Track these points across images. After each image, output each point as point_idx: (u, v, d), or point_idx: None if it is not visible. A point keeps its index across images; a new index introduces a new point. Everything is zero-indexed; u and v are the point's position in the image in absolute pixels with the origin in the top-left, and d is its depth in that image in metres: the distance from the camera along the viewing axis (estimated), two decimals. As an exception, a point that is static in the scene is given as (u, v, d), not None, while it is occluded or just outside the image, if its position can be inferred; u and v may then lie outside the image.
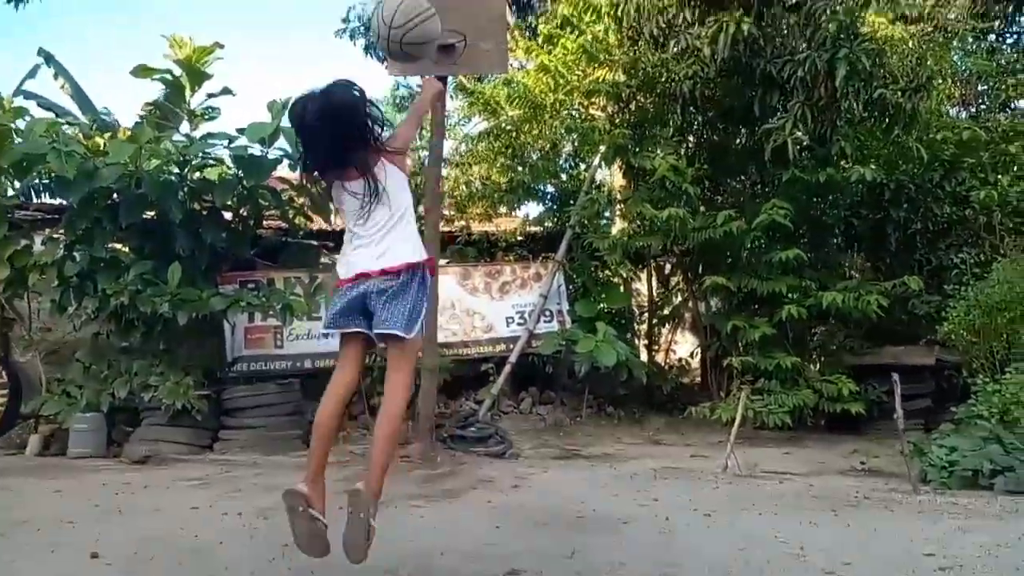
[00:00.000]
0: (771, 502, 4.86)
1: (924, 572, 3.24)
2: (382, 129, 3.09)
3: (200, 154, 7.92)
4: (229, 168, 8.24)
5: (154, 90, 8.62)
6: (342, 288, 3.15)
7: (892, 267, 9.74)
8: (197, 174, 8.22)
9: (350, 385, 3.25)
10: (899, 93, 8.50)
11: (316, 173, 3.26)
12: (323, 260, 9.80)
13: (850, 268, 10.42)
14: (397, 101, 16.39)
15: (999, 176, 9.20)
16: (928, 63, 8.58)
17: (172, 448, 7.39)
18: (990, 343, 6.95)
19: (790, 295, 8.64)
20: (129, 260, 7.60)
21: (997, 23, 11.82)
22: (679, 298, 11.46)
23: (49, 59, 8.86)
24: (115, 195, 7.87)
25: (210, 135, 8.05)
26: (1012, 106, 11.23)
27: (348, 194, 3.09)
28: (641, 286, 11.69)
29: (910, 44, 8.55)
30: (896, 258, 9.81)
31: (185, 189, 8.09)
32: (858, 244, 10.39)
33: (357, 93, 3.02)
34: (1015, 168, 9.39)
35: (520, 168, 10.69)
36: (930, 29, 9.32)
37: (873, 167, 8.77)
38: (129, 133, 8.46)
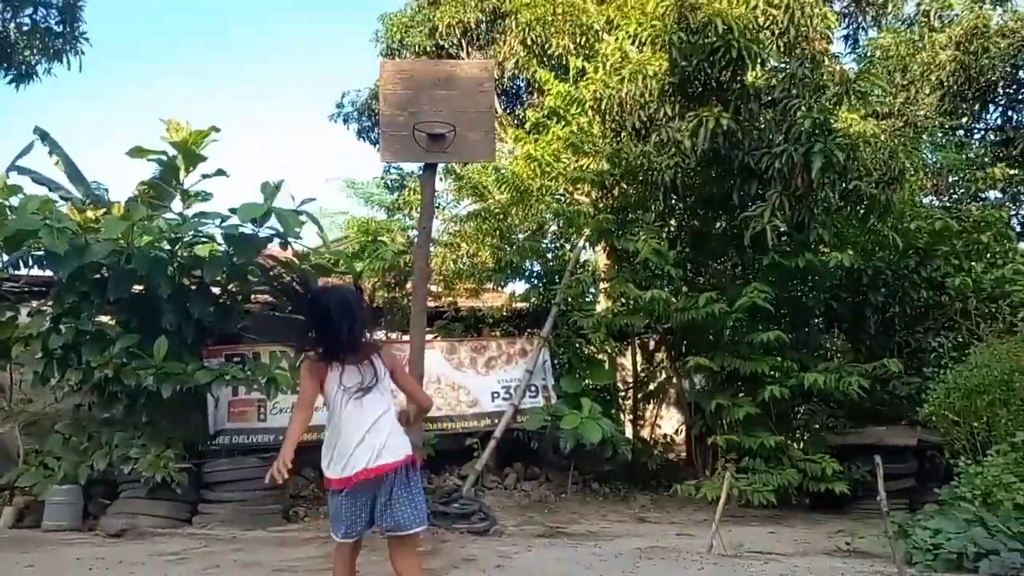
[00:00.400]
0: (756, 584, 4.83)
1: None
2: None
3: (192, 232, 8.05)
4: (219, 245, 8.35)
5: (147, 169, 8.79)
6: (344, 491, 3.16)
7: (872, 349, 9.92)
8: (187, 251, 8.32)
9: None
10: (873, 184, 8.88)
11: (325, 354, 3.29)
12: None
13: (831, 349, 10.61)
14: (388, 184, 16.74)
15: (973, 263, 9.51)
16: (900, 157, 8.96)
17: (150, 521, 7.26)
18: (971, 425, 7.03)
19: (772, 375, 8.76)
20: (115, 333, 7.61)
21: (965, 119, 12.38)
22: (663, 375, 11.54)
23: (44, 136, 9.06)
24: (104, 270, 7.94)
25: (203, 214, 8.19)
26: (982, 197, 11.67)
27: (347, 376, 3.20)
28: (626, 362, 11.78)
29: (882, 138, 8.94)
30: (876, 340, 10.01)
31: (175, 265, 8.17)
32: (838, 326, 10.62)
33: (359, 298, 3.40)
34: (988, 256, 9.71)
35: (507, 248, 10.89)
36: (901, 124, 9.78)
37: (850, 253, 9.05)
38: (122, 209, 8.60)
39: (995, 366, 7.05)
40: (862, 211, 9.28)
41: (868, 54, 13.80)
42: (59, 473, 7.45)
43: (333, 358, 3.21)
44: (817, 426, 9.31)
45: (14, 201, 8.24)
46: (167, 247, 8.12)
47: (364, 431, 3.13)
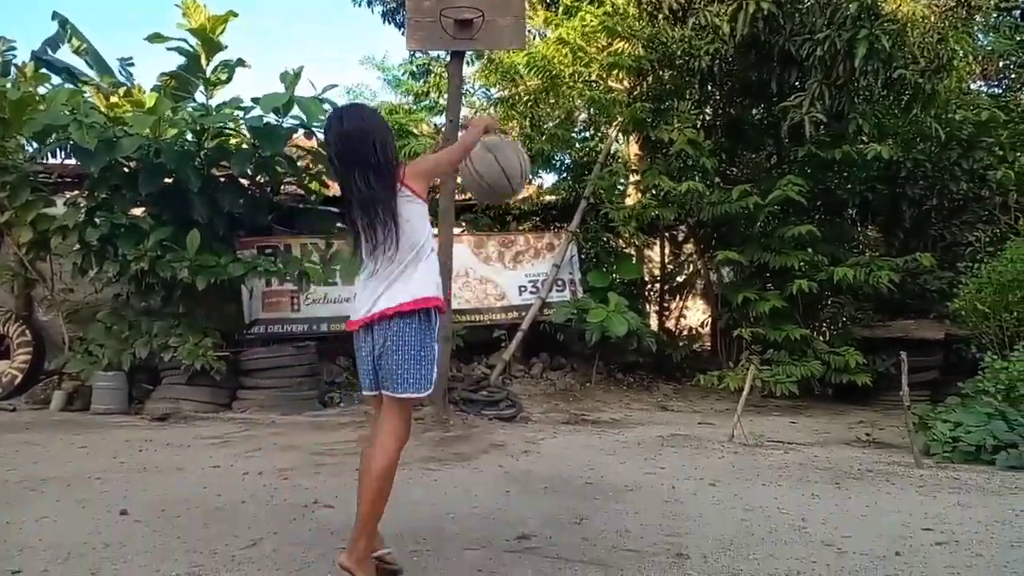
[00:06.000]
0: (775, 472, 4.98)
1: (921, 547, 3.33)
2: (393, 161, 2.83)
3: (217, 124, 8.00)
4: (245, 137, 8.32)
5: (167, 60, 8.69)
6: (355, 338, 2.92)
7: (906, 242, 9.77)
8: (213, 142, 8.30)
9: None
10: (919, 73, 8.45)
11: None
12: (339, 226, 9.90)
13: (863, 242, 10.46)
14: (415, 71, 16.32)
15: (1018, 155, 9.17)
16: (950, 41, 8.49)
17: (192, 406, 7.61)
18: (1000, 320, 6.99)
19: (802, 268, 8.70)
20: (149, 226, 7.74)
21: (1022, -1, 11.63)
22: (691, 268, 11.52)
23: (64, 23, 8.93)
24: (134, 164, 7.98)
25: (225, 104, 8.12)
26: (1034, 83, 11.11)
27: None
28: (654, 255, 11.75)
29: (932, 20, 8.45)
30: (910, 234, 9.84)
31: (202, 156, 8.19)
32: (872, 219, 10.41)
33: (367, 121, 2.85)
34: (1034, 148, 9.34)
35: (537, 136, 10.68)
36: (952, 4, 9.21)
37: (890, 144, 8.77)
38: (148, 96, 8.54)
39: (1031, 261, 6.94)
40: (905, 101, 8.91)
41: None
42: (103, 360, 7.77)
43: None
44: (844, 319, 9.31)
45: (41, 90, 8.25)
46: (193, 139, 8.11)
47: (371, 278, 2.84)
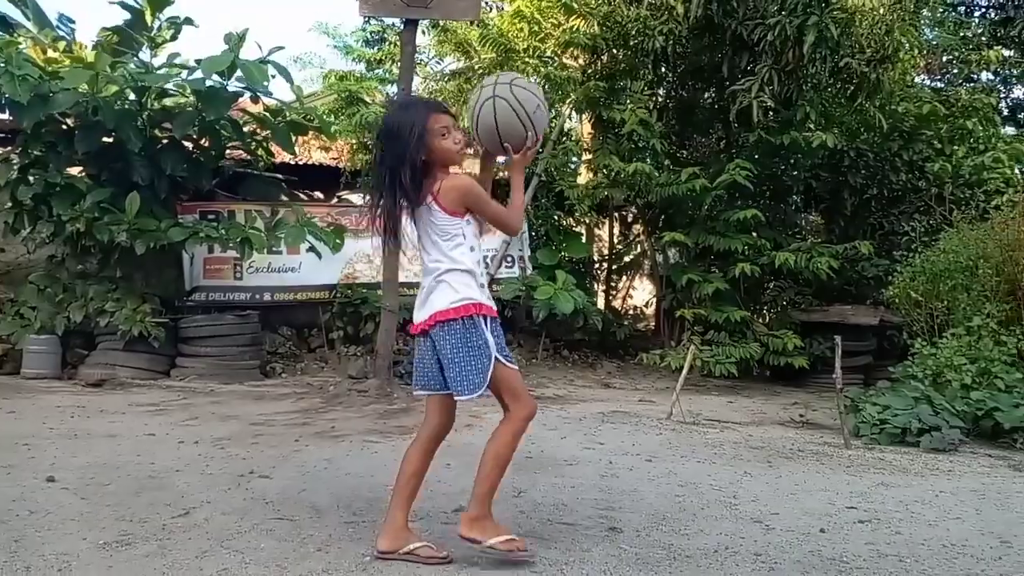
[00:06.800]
0: (710, 450, 5.10)
1: (844, 524, 3.45)
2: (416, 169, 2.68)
3: (160, 84, 7.74)
4: (189, 99, 8.07)
5: (111, 17, 8.36)
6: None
7: (846, 229, 10.05)
8: (157, 103, 8.04)
9: (436, 431, 2.89)
10: (865, 63, 8.64)
11: None
12: (285, 195, 9.73)
13: (806, 228, 10.71)
14: (368, 37, 16.01)
15: (955, 148, 9.48)
16: (896, 34, 8.69)
17: (128, 372, 7.45)
18: (931, 308, 7.25)
19: (745, 252, 8.88)
20: (86, 186, 7.48)
21: (967, -5, 11.96)
22: (639, 248, 11.65)
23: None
24: (72, 120, 7.69)
25: (169, 65, 7.86)
26: (974, 79, 11.45)
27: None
28: (603, 234, 11.84)
29: (880, 12, 8.63)
30: (851, 221, 10.12)
31: (145, 117, 7.93)
32: (815, 205, 10.66)
33: (406, 118, 2.71)
34: (971, 141, 9.66)
35: (491, 111, 10.58)
36: (900, -3, 9.40)
37: (835, 133, 8.98)
38: (87, 52, 8.22)
39: (962, 252, 7.18)
40: (851, 90, 9.10)
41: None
42: (35, 323, 7.54)
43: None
44: (784, 303, 9.55)
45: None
46: (134, 98, 7.84)
47: (423, 282, 2.83)
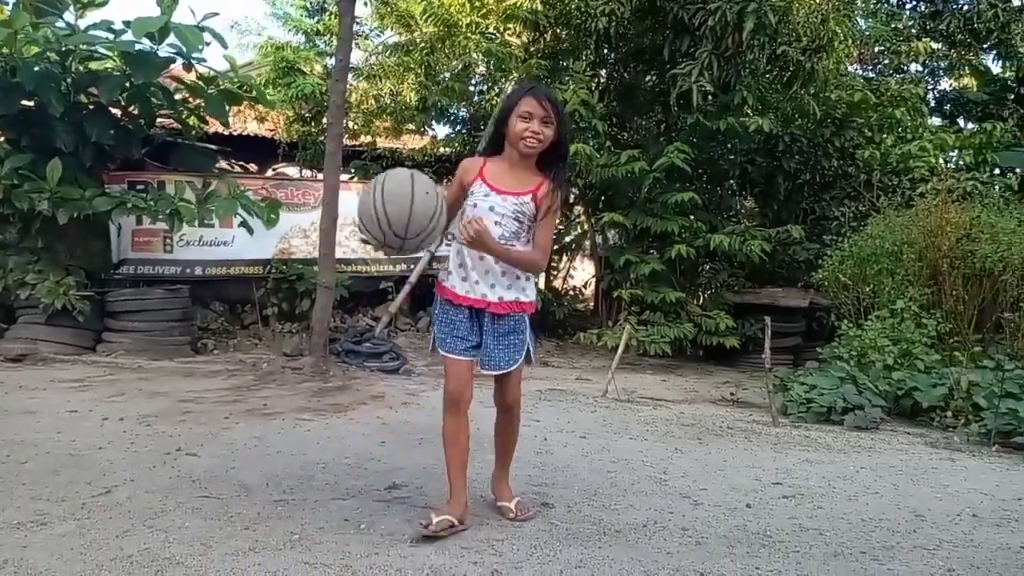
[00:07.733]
0: (643, 428, 5.18)
1: (769, 500, 3.55)
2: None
3: (85, 45, 7.39)
4: (116, 63, 7.74)
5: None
6: None
7: (779, 214, 10.30)
8: (83, 66, 7.68)
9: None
10: (801, 51, 8.83)
11: None
12: (218, 166, 9.43)
13: (741, 212, 10.94)
14: (308, 6, 15.59)
15: (884, 137, 9.78)
16: (831, 24, 8.88)
17: (51, 348, 7.16)
18: (858, 291, 7.49)
19: (682, 234, 9.02)
20: (4, 152, 7.11)
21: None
22: (580, 229, 11.71)
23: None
24: (-13, 82, 7.29)
25: (95, 26, 7.49)
26: (904, 70, 11.81)
27: None
28: (544, 215, 11.84)
29: (817, 1, 8.81)
30: (784, 206, 10.38)
31: (69, 81, 7.57)
32: (750, 190, 10.88)
33: (515, 92, 3.06)
34: (899, 130, 9.98)
35: (432, 87, 10.48)
36: (836, -13, 9.60)
37: (771, 118, 9.14)
38: (5, 9, 7.79)
39: (887, 237, 7.45)
40: (787, 77, 9.29)
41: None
42: (-51, 295, 7.17)
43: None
44: (718, 285, 9.75)
45: None
46: (57, 60, 7.48)
47: None
